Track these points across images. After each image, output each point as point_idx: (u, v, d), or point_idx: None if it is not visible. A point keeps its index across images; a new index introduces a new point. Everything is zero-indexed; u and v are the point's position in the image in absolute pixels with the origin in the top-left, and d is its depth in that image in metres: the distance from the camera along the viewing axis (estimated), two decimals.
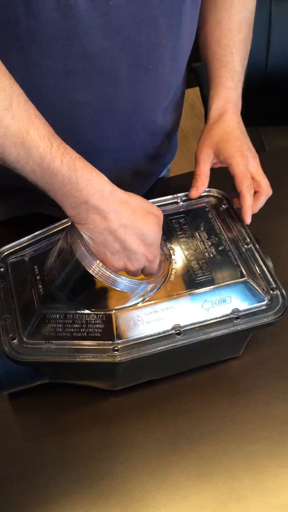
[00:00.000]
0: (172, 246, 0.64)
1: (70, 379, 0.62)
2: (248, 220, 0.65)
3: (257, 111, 1.37)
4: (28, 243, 0.64)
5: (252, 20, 0.75)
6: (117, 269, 0.55)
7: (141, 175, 0.82)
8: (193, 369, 0.66)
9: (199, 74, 1.22)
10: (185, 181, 0.71)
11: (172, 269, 0.61)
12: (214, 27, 0.73)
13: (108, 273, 0.54)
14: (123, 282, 0.55)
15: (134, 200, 0.54)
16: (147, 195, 0.75)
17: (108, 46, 0.60)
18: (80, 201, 0.50)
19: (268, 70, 1.27)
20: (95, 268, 0.54)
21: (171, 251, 0.63)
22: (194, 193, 0.68)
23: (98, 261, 0.53)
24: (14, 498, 0.56)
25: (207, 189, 0.70)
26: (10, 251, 0.63)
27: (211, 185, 0.69)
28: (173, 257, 0.62)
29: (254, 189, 0.67)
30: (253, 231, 0.65)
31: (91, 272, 0.54)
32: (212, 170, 0.69)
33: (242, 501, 0.56)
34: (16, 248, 0.63)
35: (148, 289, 0.58)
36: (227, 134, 0.68)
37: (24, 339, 0.55)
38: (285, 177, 0.90)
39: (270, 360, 0.67)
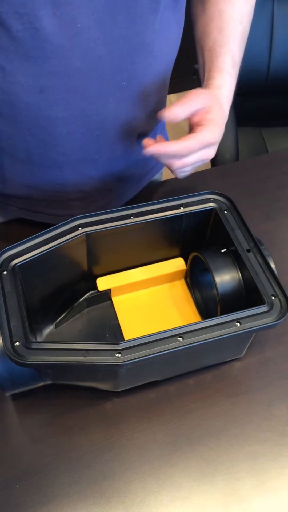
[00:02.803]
0: None
1: (73, 380, 0.62)
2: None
3: (260, 112, 1.37)
4: (31, 245, 0.62)
5: (251, 16, 0.74)
6: None
7: (126, 181, 0.81)
8: (195, 370, 0.66)
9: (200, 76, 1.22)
10: (178, 185, 0.69)
11: None
12: (215, 16, 0.71)
13: None
14: None
15: None
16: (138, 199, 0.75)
17: (79, 65, 0.59)
18: None
19: (270, 71, 1.27)
20: None
21: None
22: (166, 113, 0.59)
23: None
24: (16, 499, 0.57)
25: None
26: (12, 252, 0.62)
27: (210, 187, 0.66)
28: None
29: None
30: (254, 232, 0.65)
31: None
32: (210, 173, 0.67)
33: (244, 502, 0.57)
34: (18, 251, 0.62)
35: None
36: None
37: (29, 339, 0.55)
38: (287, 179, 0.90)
39: (272, 361, 0.67)
